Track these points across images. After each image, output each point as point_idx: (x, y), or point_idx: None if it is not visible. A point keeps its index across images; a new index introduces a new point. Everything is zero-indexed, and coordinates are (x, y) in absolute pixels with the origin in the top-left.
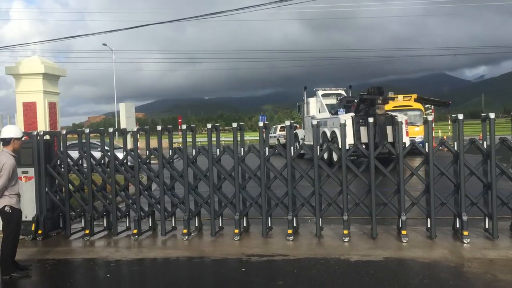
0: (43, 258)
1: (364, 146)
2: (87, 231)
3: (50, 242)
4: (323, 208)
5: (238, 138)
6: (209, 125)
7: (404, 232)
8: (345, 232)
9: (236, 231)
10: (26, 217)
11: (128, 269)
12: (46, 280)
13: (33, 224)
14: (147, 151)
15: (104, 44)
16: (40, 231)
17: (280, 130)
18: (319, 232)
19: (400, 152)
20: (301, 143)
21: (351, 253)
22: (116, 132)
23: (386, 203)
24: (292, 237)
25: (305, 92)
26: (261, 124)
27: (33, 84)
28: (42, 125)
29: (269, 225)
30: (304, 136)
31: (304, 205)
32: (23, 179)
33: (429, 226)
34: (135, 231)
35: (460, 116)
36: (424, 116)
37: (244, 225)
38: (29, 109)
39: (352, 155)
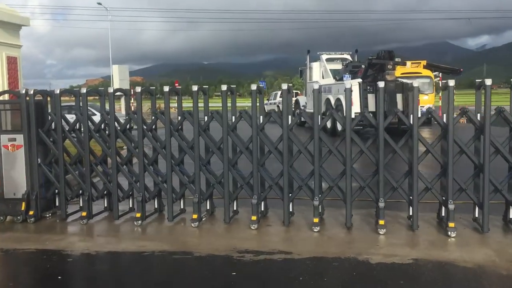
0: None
1: (371, 115)
2: (84, 214)
3: (42, 225)
4: (354, 194)
5: (257, 104)
6: (223, 87)
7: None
8: (381, 222)
9: (254, 218)
10: (14, 195)
11: (123, 263)
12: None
13: (23, 203)
14: (152, 116)
15: (99, 4)
16: (31, 212)
17: (280, 97)
18: (349, 221)
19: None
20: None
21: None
22: (115, 94)
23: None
24: (318, 227)
25: (308, 56)
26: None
27: None
28: None
29: (291, 210)
30: (306, 103)
31: (332, 188)
32: (9, 147)
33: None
34: (138, 215)
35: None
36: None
37: (262, 209)
38: None
39: (358, 125)
